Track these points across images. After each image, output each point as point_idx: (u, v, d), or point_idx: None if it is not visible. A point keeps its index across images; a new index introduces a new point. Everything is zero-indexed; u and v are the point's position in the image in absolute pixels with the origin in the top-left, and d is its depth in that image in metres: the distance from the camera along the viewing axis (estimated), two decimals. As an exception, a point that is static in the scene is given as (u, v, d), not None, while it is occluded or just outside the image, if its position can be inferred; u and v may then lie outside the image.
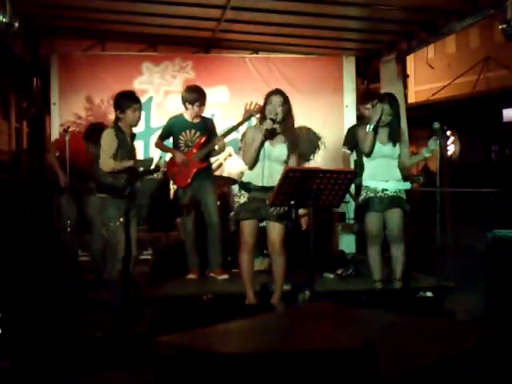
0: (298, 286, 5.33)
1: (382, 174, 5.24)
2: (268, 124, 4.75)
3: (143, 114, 7.79)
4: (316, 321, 2.87)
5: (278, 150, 4.89)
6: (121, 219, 4.87)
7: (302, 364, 1.94)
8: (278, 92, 4.88)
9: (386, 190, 5.23)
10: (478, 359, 2.44)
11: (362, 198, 5.33)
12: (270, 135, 4.83)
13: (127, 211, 4.97)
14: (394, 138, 5.25)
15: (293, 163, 4.94)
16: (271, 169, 4.84)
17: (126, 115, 4.99)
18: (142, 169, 5.08)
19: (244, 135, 5.07)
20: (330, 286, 5.89)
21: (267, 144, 4.85)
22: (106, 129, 5.11)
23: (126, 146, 5.00)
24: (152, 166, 5.20)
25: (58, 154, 6.25)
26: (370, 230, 5.30)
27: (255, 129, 4.96)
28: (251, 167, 4.89)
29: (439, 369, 2.21)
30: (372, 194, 5.25)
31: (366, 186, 5.30)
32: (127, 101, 5.01)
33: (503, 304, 4.44)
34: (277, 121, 4.80)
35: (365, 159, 5.35)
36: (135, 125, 5.14)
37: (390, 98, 5.33)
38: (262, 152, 4.83)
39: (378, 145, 5.25)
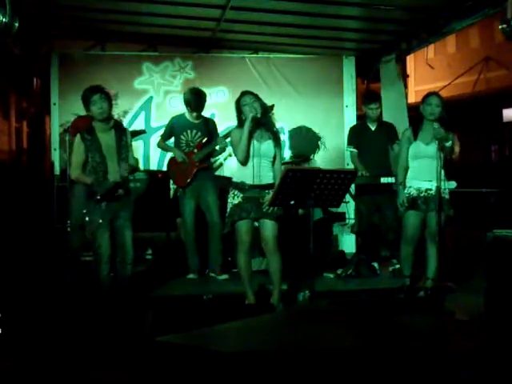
0: (297, 286, 5.33)
1: (426, 173, 5.23)
2: (254, 113, 4.84)
3: (143, 113, 7.91)
4: (316, 321, 2.87)
5: (265, 146, 4.96)
6: (100, 222, 4.77)
7: (302, 363, 1.94)
8: (246, 92, 5.01)
9: (430, 189, 5.22)
10: (478, 359, 2.44)
11: (405, 197, 5.30)
12: (257, 124, 4.91)
13: (114, 214, 4.87)
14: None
15: (278, 157, 5.05)
16: (261, 166, 4.93)
17: (91, 111, 4.82)
18: (98, 192, 4.76)
19: (231, 136, 5.10)
20: (330, 286, 5.88)
21: (255, 142, 4.92)
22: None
23: (97, 147, 4.80)
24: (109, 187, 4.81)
25: None
26: (409, 229, 5.31)
27: (239, 130, 4.99)
28: (245, 162, 4.92)
29: (439, 368, 2.21)
30: (416, 194, 5.26)
31: (410, 186, 5.30)
32: (86, 96, 4.81)
33: (503, 304, 4.44)
34: (258, 115, 4.90)
35: (409, 159, 5.35)
36: (101, 117, 4.82)
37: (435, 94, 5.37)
38: (250, 150, 4.89)
39: (421, 144, 5.27)
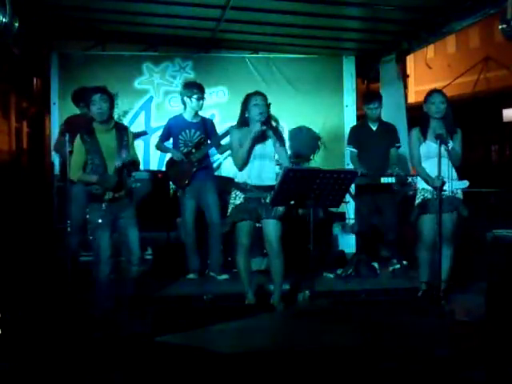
0: (297, 286, 5.33)
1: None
2: (258, 126, 4.76)
3: (143, 113, 7.91)
4: (316, 321, 2.87)
5: (266, 147, 4.91)
6: (99, 222, 4.74)
7: (302, 363, 1.94)
8: (259, 93, 4.91)
9: (444, 190, 5.03)
10: (478, 359, 2.44)
11: (418, 200, 5.15)
12: (260, 138, 4.83)
13: (116, 215, 4.84)
14: (450, 135, 5.10)
15: (284, 157, 4.95)
16: (261, 167, 4.89)
17: (91, 112, 4.79)
18: (97, 188, 4.77)
19: (230, 137, 5.06)
20: (330, 286, 5.88)
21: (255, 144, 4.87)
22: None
23: (96, 149, 4.78)
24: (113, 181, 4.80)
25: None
26: (426, 233, 5.12)
27: (239, 130, 4.93)
28: (241, 169, 4.90)
29: (439, 369, 2.21)
30: (430, 196, 5.09)
31: (423, 188, 5.13)
32: (87, 96, 4.79)
33: (503, 304, 4.44)
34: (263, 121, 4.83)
35: (422, 160, 5.19)
36: (100, 118, 4.79)
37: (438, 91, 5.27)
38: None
39: (432, 144, 5.09)
